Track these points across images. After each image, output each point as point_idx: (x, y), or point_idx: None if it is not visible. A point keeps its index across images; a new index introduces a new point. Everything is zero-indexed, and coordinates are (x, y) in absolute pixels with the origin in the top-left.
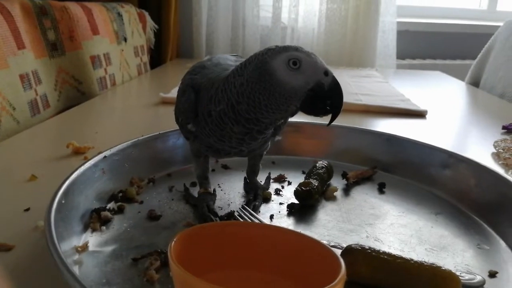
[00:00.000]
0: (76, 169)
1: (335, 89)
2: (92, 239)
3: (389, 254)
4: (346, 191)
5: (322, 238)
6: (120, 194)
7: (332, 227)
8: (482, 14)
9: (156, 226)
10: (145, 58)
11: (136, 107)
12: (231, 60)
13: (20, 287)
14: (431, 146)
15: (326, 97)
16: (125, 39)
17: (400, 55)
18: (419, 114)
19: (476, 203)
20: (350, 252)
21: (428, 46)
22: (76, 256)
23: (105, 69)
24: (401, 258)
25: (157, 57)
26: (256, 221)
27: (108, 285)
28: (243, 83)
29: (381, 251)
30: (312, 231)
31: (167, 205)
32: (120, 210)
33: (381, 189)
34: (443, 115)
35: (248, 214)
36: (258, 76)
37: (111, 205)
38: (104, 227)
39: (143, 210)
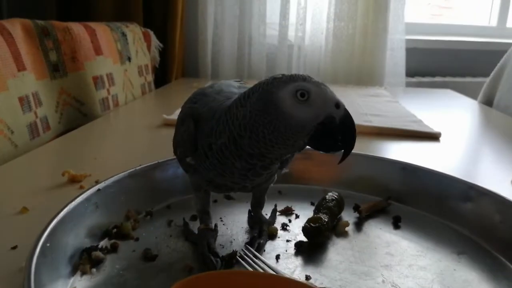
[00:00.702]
0: (66, 205)
1: (347, 124)
2: (81, 284)
3: None
4: (359, 225)
5: (333, 283)
6: (115, 230)
7: (344, 269)
8: (491, 31)
9: (151, 267)
10: (150, 78)
11: (138, 129)
12: (234, 87)
13: None
14: (449, 177)
15: (337, 132)
16: (129, 59)
17: (409, 73)
18: (433, 137)
19: (503, 242)
20: None
21: (437, 64)
22: None
23: (108, 90)
24: None
25: (162, 76)
26: (260, 263)
27: None
28: (245, 115)
29: None
30: (323, 274)
31: (165, 242)
32: (113, 249)
33: (396, 223)
34: (457, 137)
35: (252, 256)
36: (262, 108)
37: (103, 243)
38: (94, 269)
39: (138, 249)
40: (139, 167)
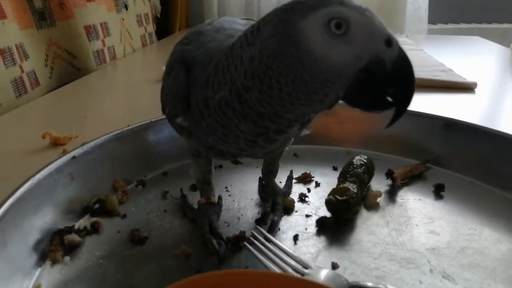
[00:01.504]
0: (28, 179)
1: (403, 69)
2: (48, 278)
3: None
4: (393, 195)
5: (368, 273)
6: (97, 205)
7: (380, 254)
8: None
9: (138, 255)
10: (150, 28)
11: (136, 84)
12: (239, 24)
13: None
14: (507, 136)
15: (388, 81)
16: (126, 7)
17: (431, 20)
18: (468, 88)
19: None
20: None
21: (462, 9)
22: None
23: (103, 41)
24: None
25: (164, 26)
26: (274, 248)
27: None
28: (253, 57)
29: None
30: (353, 260)
31: (158, 220)
32: (94, 230)
33: (438, 192)
34: (493, 88)
35: (263, 239)
36: (278, 46)
37: (82, 223)
38: (68, 258)
39: (124, 229)
40: (127, 128)
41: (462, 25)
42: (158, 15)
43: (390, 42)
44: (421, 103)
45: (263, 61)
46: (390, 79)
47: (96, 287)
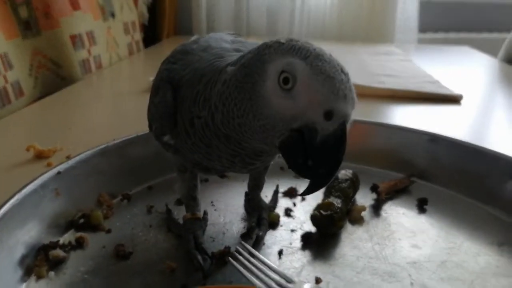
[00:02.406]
0: (14, 194)
1: (331, 147)
2: None
3: None
4: (377, 209)
5: (350, 287)
6: (82, 220)
7: (363, 268)
8: None
9: (124, 269)
10: (137, 36)
11: (122, 95)
12: (226, 42)
13: None
14: (489, 152)
15: (312, 153)
16: (113, 15)
17: (421, 28)
18: (453, 99)
19: None
20: None
21: (452, 18)
22: None
23: (89, 50)
24: None
25: (151, 34)
26: (258, 263)
27: None
28: (226, 81)
29: None
30: (336, 274)
31: (143, 235)
32: (78, 245)
33: (421, 206)
34: (479, 100)
35: (247, 255)
36: (242, 78)
37: (67, 237)
38: (52, 273)
39: (109, 244)
40: (113, 142)
41: (452, 34)
42: (146, 23)
43: (330, 115)
44: (407, 114)
45: (230, 86)
46: (314, 151)
47: None
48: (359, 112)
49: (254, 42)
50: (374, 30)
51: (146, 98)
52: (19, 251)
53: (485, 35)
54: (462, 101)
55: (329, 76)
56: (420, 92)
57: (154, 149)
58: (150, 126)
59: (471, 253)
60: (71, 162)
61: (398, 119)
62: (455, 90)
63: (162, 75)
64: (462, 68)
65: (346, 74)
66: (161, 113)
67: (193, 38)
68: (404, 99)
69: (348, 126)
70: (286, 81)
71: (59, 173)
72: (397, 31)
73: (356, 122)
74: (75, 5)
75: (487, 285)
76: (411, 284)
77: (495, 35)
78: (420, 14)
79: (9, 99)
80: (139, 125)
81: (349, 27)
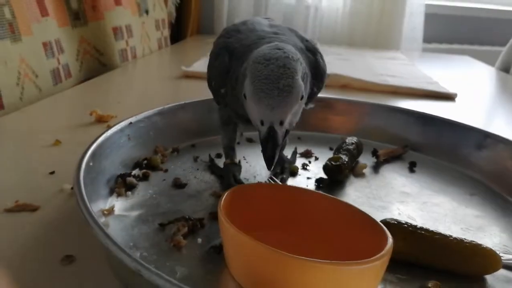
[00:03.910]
0: (103, 133)
1: (264, 145)
2: (118, 204)
3: (426, 230)
4: (376, 168)
5: None
6: (145, 162)
7: (362, 203)
8: None
9: (181, 194)
10: (166, 33)
11: (157, 80)
12: (265, 25)
13: (46, 245)
14: (466, 126)
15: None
16: (147, 12)
17: (427, 39)
18: (448, 97)
19: None
20: (386, 226)
21: (456, 31)
22: (103, 219)
23: (127, 41)
24: (439, 234)
25: (177, 32)
26: None
27: (135, 248)
28: (243, 69)
29: (418, 226)
30: None
31: (192, 174)
32: (145, 177)
33: (411, 168)
34: (473, 99)
35: (276, 184)
36: (239, 79)
37: (136, 172)
38: (129, 193)
39: (168, 178)
40: (167, 105)
41: (456, 46)
42: (173, 22)
43: (262, 123)
44: (409, 107)
45: (238, 76)
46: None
47: (152, 211)
48: (366, 98)
49: (285, 27)
50: (382, 39)
51: (177, 83)
52: (106, 175)
53: (487, 48)
54: (457, 99)
55: (262, 96)
56: (419, 89)
57: (199, 116)
58: (209, 83)
59: (447, 198)
60: (138, 116)
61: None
62: (451, 90)
63: (221, 45)
64: (460, 74)
65: (280, 90)
66: (220, 72)
67: (242, 21)
68: (404, 95)
69: (284, 128)
70: (244, 96)
71: (130, 123)
72: (403, 40)
73: (363, 103)
74: (117, 1)
75: (456, 216)
76: (399, 214)
77: (496, 48)
78: (426, 26)
79: (60, 78)
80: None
81: (359, 34)
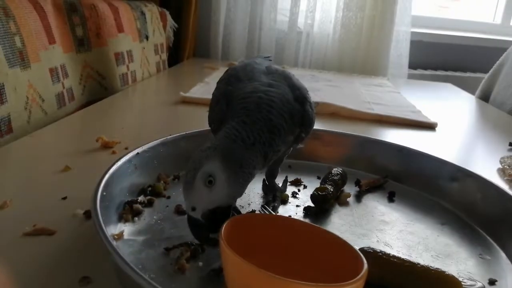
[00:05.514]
0: (114, 163)
1: (191, 228)
2: (127, 229)
3: (398, 258)
4: (358, 197)
5: None
6: (149, 189)
7: (345, 230)
8: (495, 28)
9: (183, 220)
10: (164, 56)
11: (157, 105)
12: (264, 73)
13: (65, 267)
14: (440, 160)
15: None
16: (147, 37)
17: (412, 65)
18: (429, 126)
19: (481, 216)
20: (363, 253)
21: (440, 58)
22: (114, 243)
23: (127, 66)
24: (409, 261)
25: (174, 55)
26: None
27: (144, 270)
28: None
29: (390, 255)
30: None
31: None
32: (149, 204)
33: (391, 197)
34: (452, 128)
35: (268, 214)
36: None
37: (141, 198)
38: (136, 218)
39: (170, 205)
40: (170, 136)
41: (440, 72)
42: (171, 45)
43: (193, 209)
44: (390, 136)
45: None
46: None
47: (157, 236)
48: (351, 129)
49: (285, 71)
50: (370, 65)
51: (176, 108)
52: (116, 202)
53: (469, 74)
54: (437, 128)
55: (183, 189)
56: (401, 118)
57: (198, 145)
58: (210, 124)
59: (421, 227)
60: (144, 147)
61: (382, 139)
62: (432, 119)
63: (221, 93)
64: (442, 102)
65: (189, 182)
66: (218, 118)
67: (240, 63)
68: (388, 124)
69: (198, 212)
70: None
71: (137, 153)
72: (390, 66)
73: (348, 135)
74: (120, 28)
75: (428, 245)
76: (377, 241)
77: (478, 75)
78: (411, 52)
79: (64, 102)
80: (172, 128)
81: (348, 60)
